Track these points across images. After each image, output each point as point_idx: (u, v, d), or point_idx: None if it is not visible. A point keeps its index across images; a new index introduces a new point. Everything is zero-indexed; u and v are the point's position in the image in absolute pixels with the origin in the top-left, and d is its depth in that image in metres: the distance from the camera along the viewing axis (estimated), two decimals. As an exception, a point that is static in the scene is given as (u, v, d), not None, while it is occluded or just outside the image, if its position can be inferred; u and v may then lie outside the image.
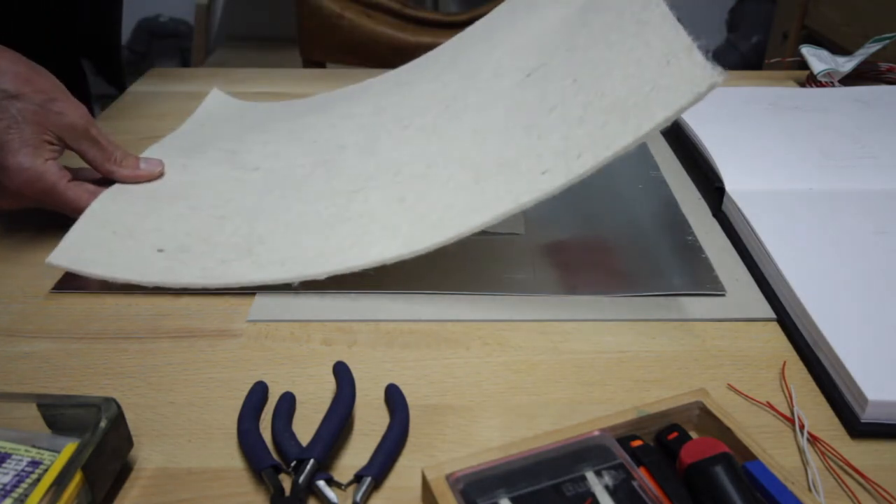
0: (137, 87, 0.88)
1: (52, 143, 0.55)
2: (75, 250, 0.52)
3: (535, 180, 0.49)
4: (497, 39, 0.71)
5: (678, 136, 0.73)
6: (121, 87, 0.98)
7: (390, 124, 0.68)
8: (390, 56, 1.27)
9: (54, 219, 0.58)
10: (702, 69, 0.45)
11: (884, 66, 0.89)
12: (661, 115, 0.45)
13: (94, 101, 1.02)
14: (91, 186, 0.58)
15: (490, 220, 0.49)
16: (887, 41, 0.86)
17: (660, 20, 0.52)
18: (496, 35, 0.72)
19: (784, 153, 0.66)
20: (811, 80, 0.87)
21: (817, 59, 0.86)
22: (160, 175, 0.62)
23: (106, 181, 0.60)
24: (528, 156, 0.52)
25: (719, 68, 0.45)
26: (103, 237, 0.54)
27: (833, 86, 0.85)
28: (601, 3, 0.61)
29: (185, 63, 2.50)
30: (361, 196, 0.58)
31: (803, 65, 0.88)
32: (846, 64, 0.85)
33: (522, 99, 0.59)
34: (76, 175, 0.58)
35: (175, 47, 2.53)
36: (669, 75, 0.47)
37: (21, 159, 0.53)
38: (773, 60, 1.02)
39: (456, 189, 0.54)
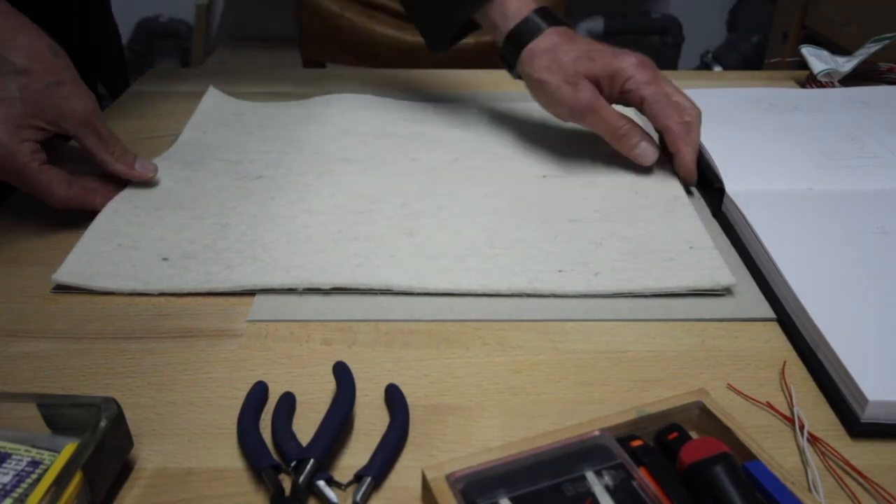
0: (137, 87, 0.88)
1: (39, 128, 0.54)
2: (80, 265, 0.53)
3: (552, 273, 0.53)
4: (502, 119, 0.77)
5: (678, 136, 0.73)
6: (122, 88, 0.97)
7: (396, 150, 0.70)
8: (390, 56, 1.27)
9: (55, 219, 0.58)
10: (723, 269, 0.52)
11: (884, 66, 0.88)
12: (683, 282, 0.52)
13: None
14: (62, 173, 0.57)
15: (503, 290, 0.51)
16: (887, 41, 0.86)
17: (686, 215, 0.60)
18: (500, 117, 0.78)
19: (784, 153, 0.66)
20: (811, 80, 0.87)
21: (817, 59, 0.86)
22: (152, 178, 0.62)
23: (85, 172, 0.60)
24: (542, 247, 0.56)
25: (729, 271, 0.52)
26: (108, 250, 0.54)
27: (833, 86, 0.85)
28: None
29: (185, 63, 2.50)
30: (367, 218, 0.59)
31: (803, 65, 0.88)
32: (846, 64, 0.85)
33: (539, 194, 0.63)
34: (60, 157, 0.58)
35: (175, 47, 2.53)
36: (692, 258, 0.54)
37: None
38: (773, 60, 1.02)
39: (468, 244, 0.56)
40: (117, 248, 0.55)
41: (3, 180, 0.56)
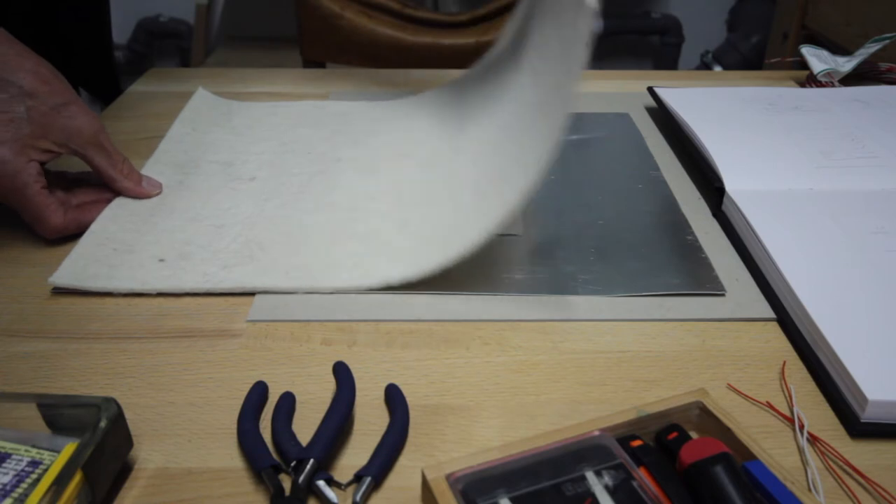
0: (137, 87, 0.88)
1: (46, 150, 0.55)
2: (77, 268, 0.53)
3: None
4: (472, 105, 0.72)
5: (678, 136, 0.73)
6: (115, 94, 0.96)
7: (389, 149, 0.70)
8: (390, 56, 1.27)
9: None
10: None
11: (884, 66, 0.89)
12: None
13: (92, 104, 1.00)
14: (63, 196, 0.57)
15: (491, 227, 0.50)
16: (887, 41, 0.86)
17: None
18: (471, 102, 0.72)
19: (784, 153, 0.66)
20: (811, 80, 0.87)
21: (817, 59, 0.86)
22: (157, 195, 0.62)
23: (86, 202, 0.59)
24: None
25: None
26: (104, 254, 0.54)
27: (833, 86, 0.85)
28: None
29: (185, 63, 2.50)
30: (363, 216, 0.59)
31: (803, 65, 0.88)
32: (846, 64, 0.85)
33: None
34: (61, 183, 0.58)
35: (175, 47, 2.53)
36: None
37: (3, 151, 0.53)
38: (773, 60, 1.02)
39: (457, 210, 0.56)
40: (113, 252, 0.55)
41: (1, 201, 0.55)
